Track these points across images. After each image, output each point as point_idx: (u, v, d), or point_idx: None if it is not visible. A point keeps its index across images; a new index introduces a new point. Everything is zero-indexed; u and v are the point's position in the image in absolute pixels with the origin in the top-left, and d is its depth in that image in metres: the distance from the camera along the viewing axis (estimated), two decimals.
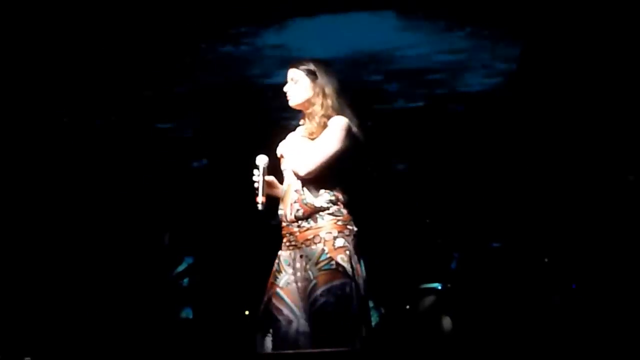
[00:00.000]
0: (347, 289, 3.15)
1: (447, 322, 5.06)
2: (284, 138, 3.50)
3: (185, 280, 5.53)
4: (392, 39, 6.57)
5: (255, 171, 3.30)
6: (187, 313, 5.47)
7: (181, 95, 6.52)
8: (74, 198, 6.04)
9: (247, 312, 5.39)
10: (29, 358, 4.06)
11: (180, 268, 5.60)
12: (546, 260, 5.28)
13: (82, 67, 6.25)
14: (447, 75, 6.58)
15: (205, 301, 5.47)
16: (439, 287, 5.27)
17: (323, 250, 3.20)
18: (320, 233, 3.23)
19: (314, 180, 3.29)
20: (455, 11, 6.37)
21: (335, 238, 3.21)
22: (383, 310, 5.35)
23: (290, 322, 3.21)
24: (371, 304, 5.33)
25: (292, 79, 3.43)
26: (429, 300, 5.22)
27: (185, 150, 6.43)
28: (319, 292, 3.15)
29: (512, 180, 5.99)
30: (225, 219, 5.69)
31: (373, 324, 5.23)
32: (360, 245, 3.31)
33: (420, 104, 6.60)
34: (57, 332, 5.13)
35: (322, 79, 3.39)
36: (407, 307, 5.30)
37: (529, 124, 6.08)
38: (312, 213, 3.26)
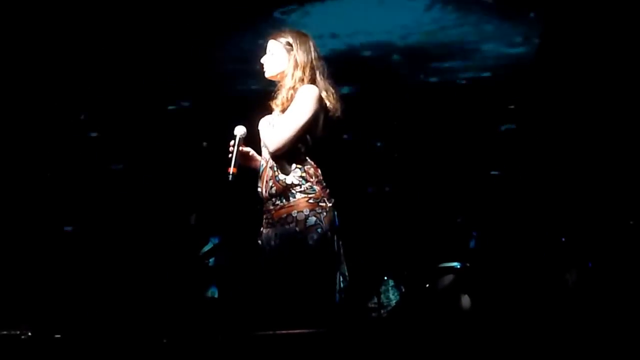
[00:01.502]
0: (316, 267, 3.16)
1: (466, 300, 5.08)
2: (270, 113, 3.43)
3: (211, 260, 5.58)
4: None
5: (231, 141, 3.28)
6: (212, 292, 5.54)
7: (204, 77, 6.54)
8: (103, 179, 6.15)
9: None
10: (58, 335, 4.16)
11: (207, 248, 5.66)
12: (563, 239, 5.28)
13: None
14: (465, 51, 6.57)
15: (231, 280, 5.53)
16: (458, 266, 5.28)
17: (296, 230, 3.19)
18: (292, 212, 3.21)
19: (286, 156, 3.25)
20: None
21: (306, 217, 3.20)
22: (403, 289, 5.40)
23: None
24: (392, 283, 5.43)
25: (269, 51, 3.39)
26: (448, 279, 5.23)
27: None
28: (285, 266, 3.17)
29: (530, 159, 6.02)
30: (251, 200, 5.78)
31: (394, 302, 5.33)
32: (341, 220, 3.27)
33: (436, 80, 6.61)
34: (87, 310, 5.25)
35: (297, 50, 3.34)
36: (427, 285, 5.31)
37: (549, 101, 6.07)
38: (284, 190, 3.24)
